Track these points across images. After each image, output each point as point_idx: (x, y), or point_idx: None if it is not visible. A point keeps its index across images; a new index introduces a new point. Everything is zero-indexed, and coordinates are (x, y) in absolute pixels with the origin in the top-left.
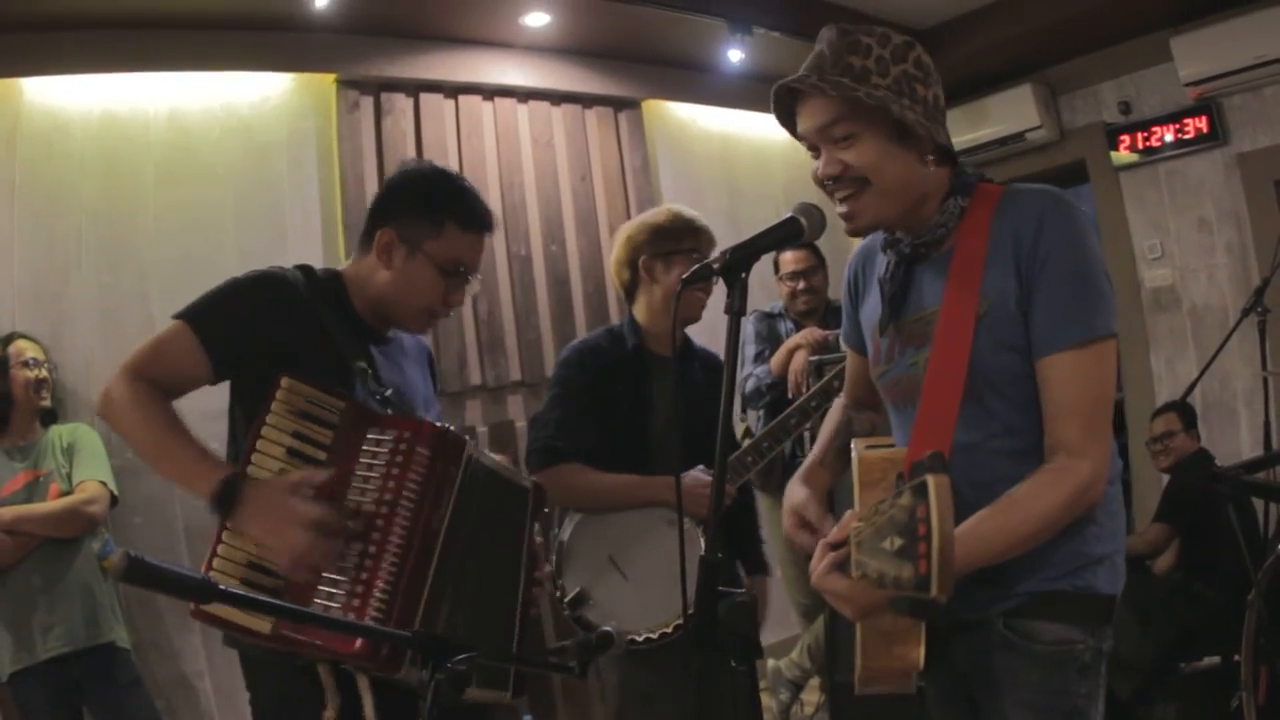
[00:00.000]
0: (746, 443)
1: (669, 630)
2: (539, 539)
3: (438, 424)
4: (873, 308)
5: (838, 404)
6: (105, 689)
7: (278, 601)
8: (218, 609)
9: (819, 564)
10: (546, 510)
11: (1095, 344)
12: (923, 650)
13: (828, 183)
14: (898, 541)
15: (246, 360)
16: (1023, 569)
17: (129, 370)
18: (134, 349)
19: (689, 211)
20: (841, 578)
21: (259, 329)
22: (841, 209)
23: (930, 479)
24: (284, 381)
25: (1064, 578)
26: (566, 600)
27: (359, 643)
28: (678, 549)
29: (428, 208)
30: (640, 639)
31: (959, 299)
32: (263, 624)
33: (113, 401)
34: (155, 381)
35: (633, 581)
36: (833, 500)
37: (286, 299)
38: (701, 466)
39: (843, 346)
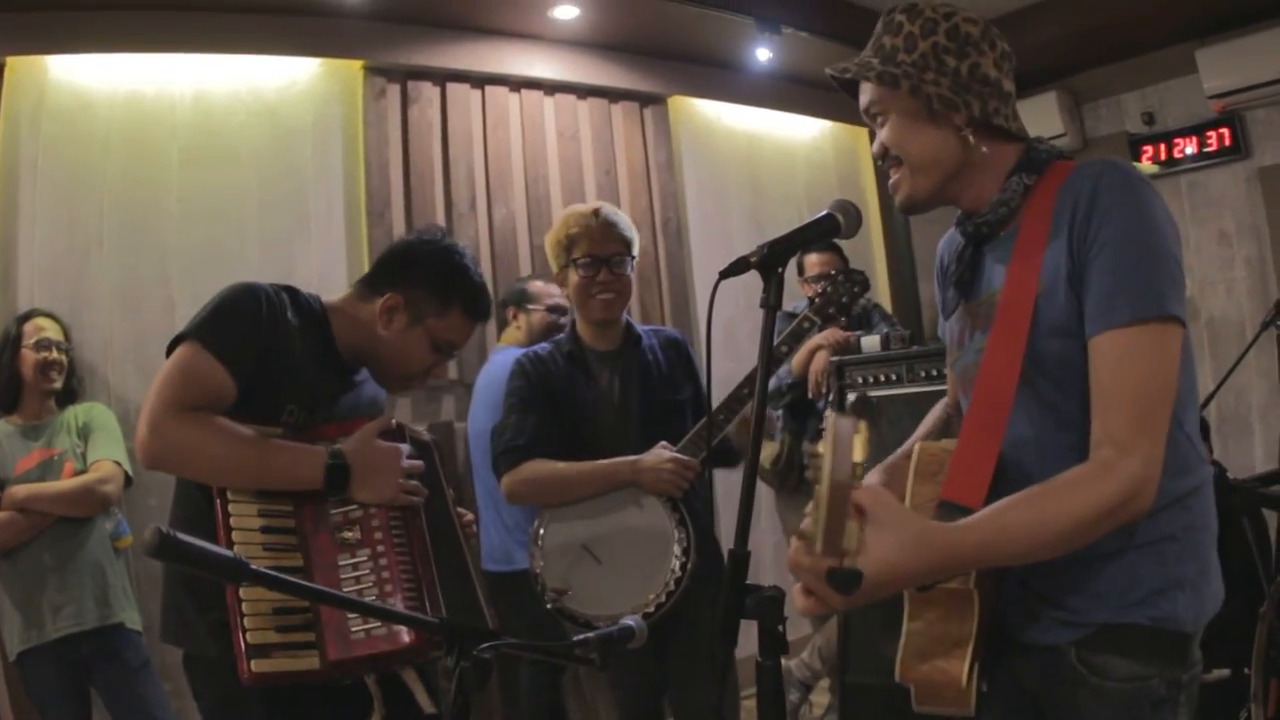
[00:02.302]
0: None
1: (651, 610)
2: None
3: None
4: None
5: (942, 402)
6: (114, 670)
7: (309, 584)
8: (269, 666)
9: (795, 547)
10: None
11: (1153, 324)
12: (966, 666)
13: (879, 162)
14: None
15: (253, 370)
16: (1093, 594)
17: (169, 407)
18: (155, 389)
19: (569, 218)
20: (808, 553)
21: (259, 338)
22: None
23: (830, 416)
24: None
25: (1137, 606)
26: (547, 594)
27: (410, 635)
28: (649, 529)
29: (441, 288)
30: None
31: (1020, 280)
32: (309, 661)
33: (172, 442)
34: (197, 408)
35: (607, 565)
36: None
37: (270, 315)
38: (664, 443)
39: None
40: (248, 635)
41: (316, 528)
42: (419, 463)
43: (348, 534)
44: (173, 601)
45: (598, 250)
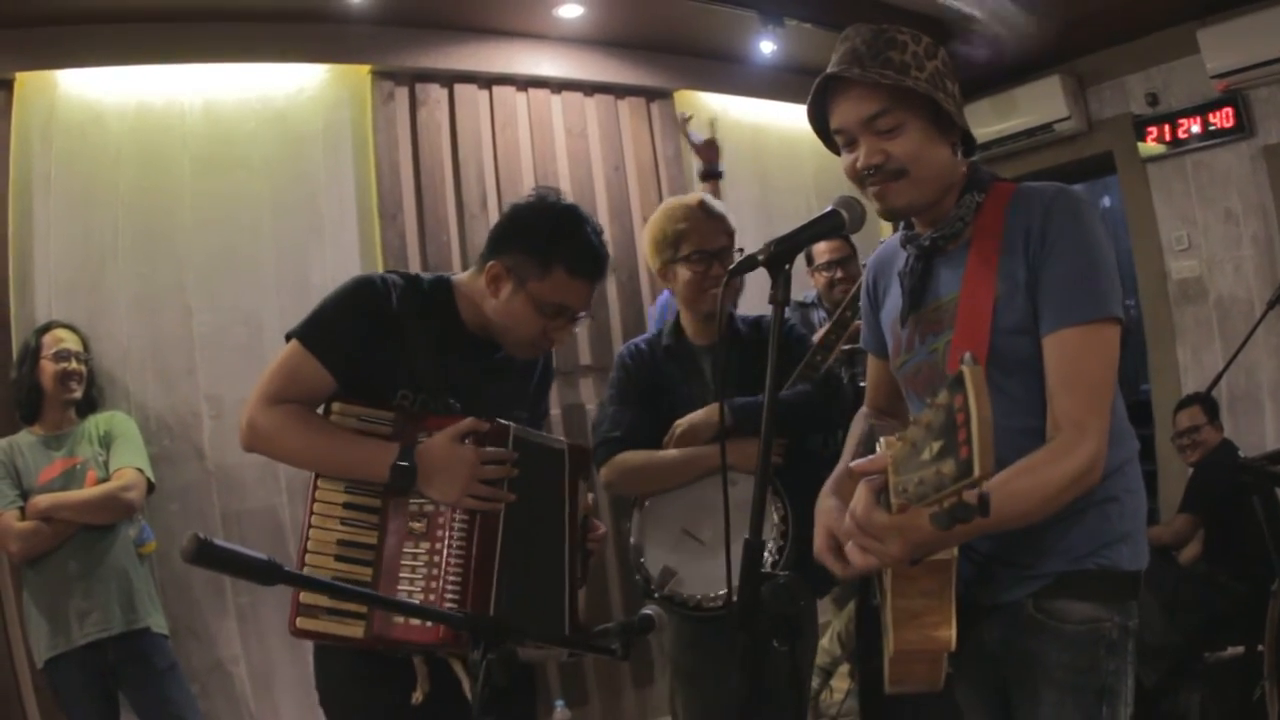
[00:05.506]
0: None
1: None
2: (590, 496)
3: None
4: (894, 304)
5: (861, 414)
6: (141, 674)
7: (333, 581)
8: (314, 625)
9: (860, 503)
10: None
11: (1101, 324)
12: (954, 631)
13: (868, 172)
14: (936, 445)
15: (355, 365)
16: (1047, 550)
17: (265, 399)
18: (258, 382)
19: (674, 212)
20: (884, 512)
21: (359, 334)
22: (874, 190)
23: (965, 370)
24: (335, 406)
25: (1088, 557)
26: (653, 583)
27: (441, 630)
28: (744, 507)
29: (539, 249)
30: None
31: (977, 286)
32: (355, 629)
33: (261, 431)
34: (291, 401)
35: (710, 546)
36: None
37: (375, 306)
38: None
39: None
40: (301, 595)
41: (396, 513)
42: (501, 468)
43: (416, 525)
44: None
45: (707, 245)
